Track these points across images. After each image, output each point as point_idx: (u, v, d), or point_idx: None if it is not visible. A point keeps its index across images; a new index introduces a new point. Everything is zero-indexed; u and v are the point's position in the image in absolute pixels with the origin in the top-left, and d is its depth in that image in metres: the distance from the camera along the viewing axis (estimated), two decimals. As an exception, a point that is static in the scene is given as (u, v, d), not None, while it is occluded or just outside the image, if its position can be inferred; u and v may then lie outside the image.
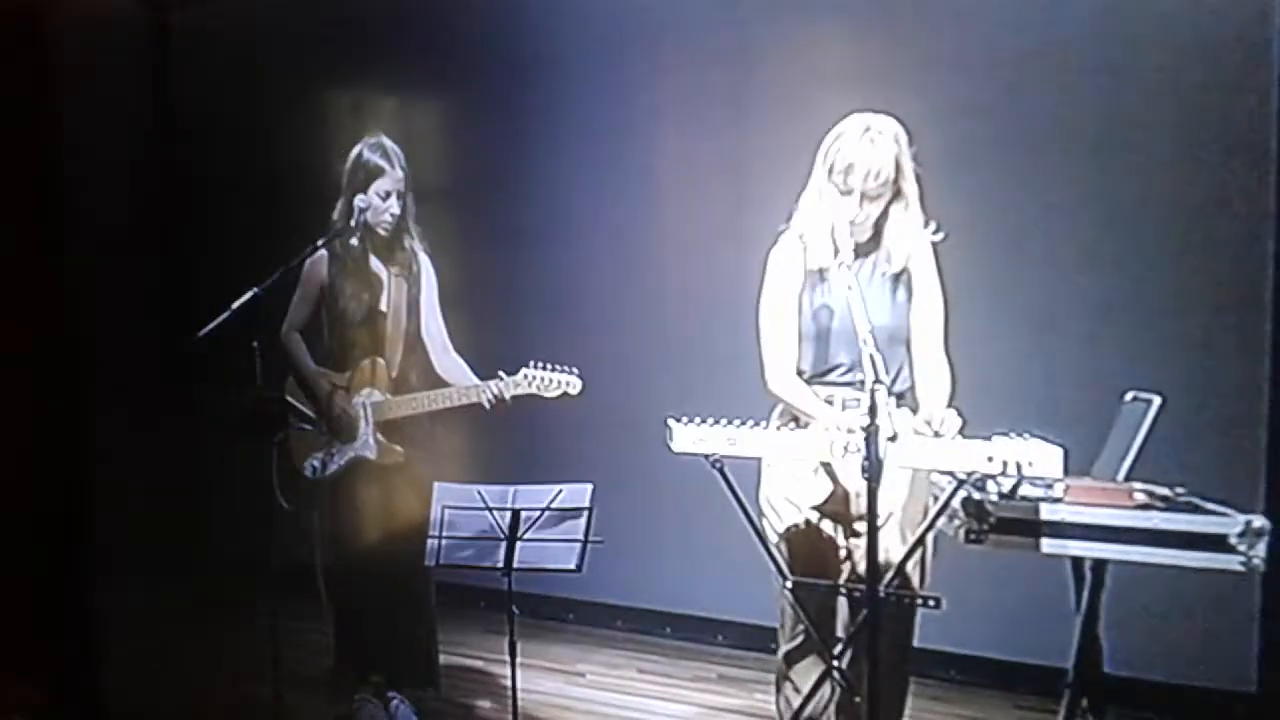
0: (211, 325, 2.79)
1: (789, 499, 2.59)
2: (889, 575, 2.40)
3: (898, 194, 2.48)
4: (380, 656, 3.22)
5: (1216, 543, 2.04)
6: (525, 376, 2.92)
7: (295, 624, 3.15)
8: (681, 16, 3.86)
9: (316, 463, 3.09)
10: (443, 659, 3.32)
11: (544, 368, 2.93)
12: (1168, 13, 3.18)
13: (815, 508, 2.56)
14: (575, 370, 2.93)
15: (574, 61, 4.06)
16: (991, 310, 3.20)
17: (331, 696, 3.26)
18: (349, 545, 3.15)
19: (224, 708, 3.34)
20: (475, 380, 3.03)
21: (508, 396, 2.93)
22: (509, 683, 2.69)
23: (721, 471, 2.40)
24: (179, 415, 4.75)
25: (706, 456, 2.37)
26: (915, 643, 2.63)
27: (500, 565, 2.59)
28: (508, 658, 2.65)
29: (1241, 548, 2.02)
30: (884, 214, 2.50)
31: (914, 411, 2.49)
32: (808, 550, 2.57)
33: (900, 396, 2.50)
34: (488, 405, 2.95)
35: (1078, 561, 2.32)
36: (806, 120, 2.62)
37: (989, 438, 2.21)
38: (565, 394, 2.92)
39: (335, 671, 3.28)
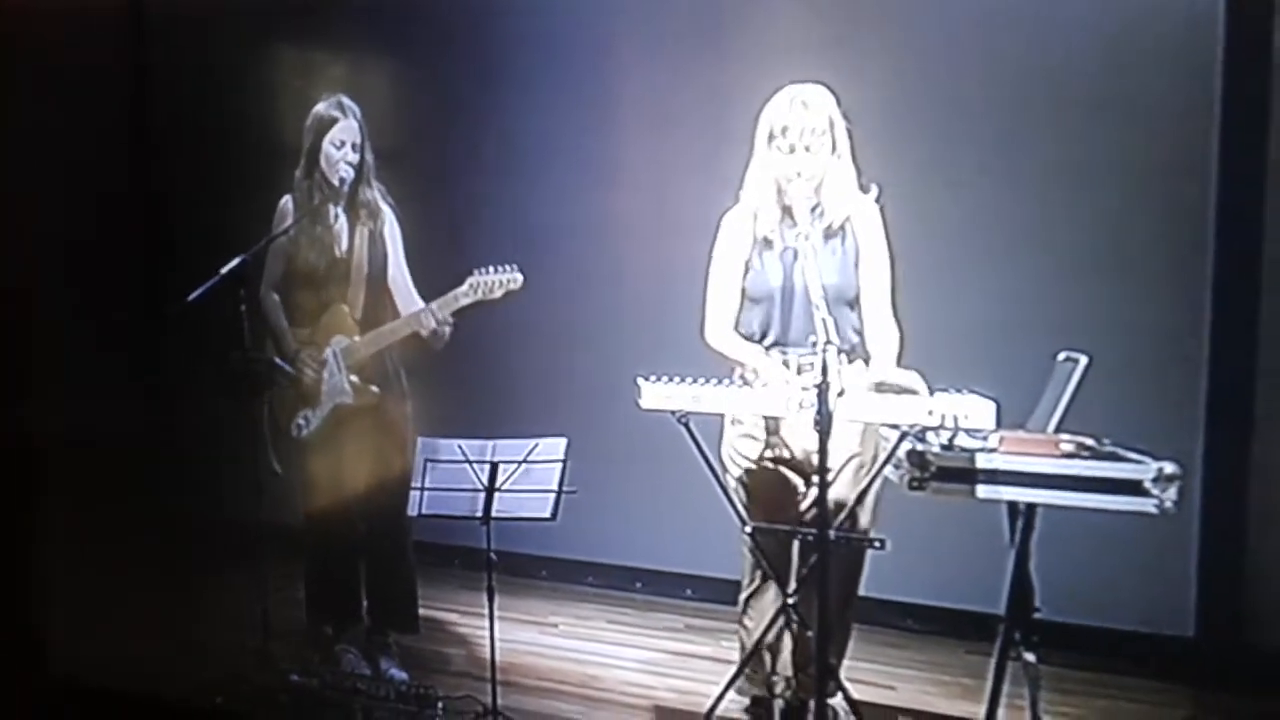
0: (201, 290, 2.91)
1: (747, 452, 2.76)
2: (839, 519, 2.60)
3: (833, 146, 2.62)
4: (366, 601, 3.39)
5: (1132, 487, 2.22)
6: (470, 285, 3.04)
7: (282, 580, 3.33)
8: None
9: (302, 420, 3.23)
10: (421, 611, 3.47)
11: (485, 272, 3.04)
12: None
13: (771, 459, 2.73)
14: (515, 266, 3.05)
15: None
16: (938, 276, 3.33)
17: (312, 642, 3.40)
18: (333, 493, 3.26)
19: (210, 658, 3.45)
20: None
21: (459, 306, 3.05)
22: (485, 633, 2.82)
23: (687, 427, 2.57)
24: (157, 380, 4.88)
25: (673, 413, 2.54)
26: (880, 596, 2.85)
27: (479, 514, 2.74)
28: (485, 609, 2.78)
29: (1155, 491, 2.20)
30: (824, 171, 2.63)
31: (866, 363, 2.66)
32: (766, 498, 2.74)
33: (848, 353, 2.64)
34: (436, 324, 3.06)
35: (1013, 506, 2.50)
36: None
37: (933, 393, 2.39)
38: (510, 292, 3.04)
39: (311, 619, 3.42)
